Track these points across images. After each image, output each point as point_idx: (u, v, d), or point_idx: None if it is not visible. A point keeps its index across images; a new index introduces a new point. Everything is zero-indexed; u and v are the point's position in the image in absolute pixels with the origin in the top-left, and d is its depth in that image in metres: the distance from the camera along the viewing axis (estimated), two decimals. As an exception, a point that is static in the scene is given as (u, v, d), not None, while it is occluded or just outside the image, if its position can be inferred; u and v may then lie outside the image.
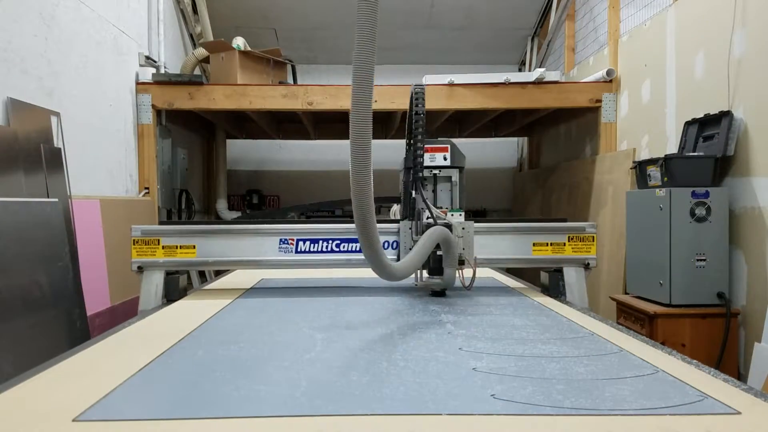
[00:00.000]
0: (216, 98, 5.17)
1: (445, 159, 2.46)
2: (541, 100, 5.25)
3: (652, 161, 3.82)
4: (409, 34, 7.17)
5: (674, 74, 4.19)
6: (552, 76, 5.24)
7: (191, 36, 6.61)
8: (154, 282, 2.42)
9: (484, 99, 5.22)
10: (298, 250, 2.49)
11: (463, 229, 2.33)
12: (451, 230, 2.23)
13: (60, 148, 3.71)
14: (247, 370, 1.39)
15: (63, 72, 3.92)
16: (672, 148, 4.14)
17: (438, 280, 2.29)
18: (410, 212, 2.37)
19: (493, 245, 2.47)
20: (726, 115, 3.51)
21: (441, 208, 2.44)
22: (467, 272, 2.32)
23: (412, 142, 2.32)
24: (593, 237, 2.50)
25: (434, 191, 2.52)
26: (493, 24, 7.20)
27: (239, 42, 5.53)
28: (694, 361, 1.47)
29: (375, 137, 8.50)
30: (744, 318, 3.44)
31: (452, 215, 2.37)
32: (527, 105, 5.35)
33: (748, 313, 3.40)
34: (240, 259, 2.50)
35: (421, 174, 2.30)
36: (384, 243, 2.45)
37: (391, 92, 5.24)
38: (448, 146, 2.50)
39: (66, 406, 1.15)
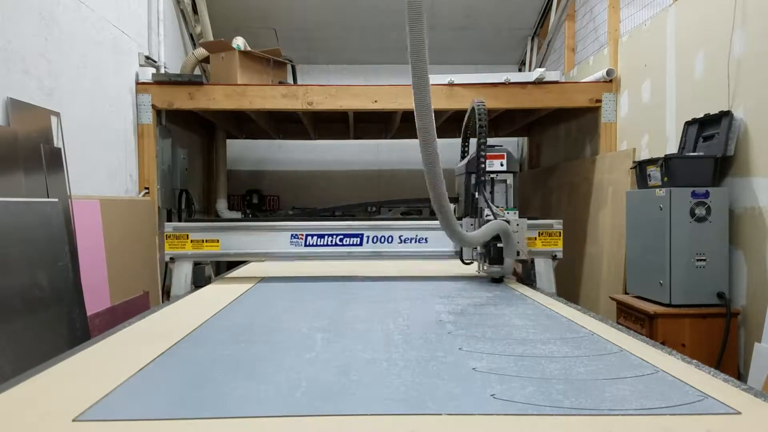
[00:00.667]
0: (216, 98, 5.17)
1: (501, 165, 2.81)
2: (541, 100, 5.25)
3: (652, 161, 3.81)
4: (409, 34, 7.15)
5: (674, 74, 4.19)
6: (552, 76, 5.23)
7: (191, 36, 6.61)
8: (184, 271, 2.81)
9: (484, 99, 5.19)
10: (307, 243, 2.87)
11: (518, 225, 2.64)
12: (508, 224, 2.55)
13: (60, 148, 3.71)
14: (247, 370, 1.39)
15: (63, 72, 3.92)
16: (672, 148, 4.14)
17: (498, 269, 2.64)
18: (473, 210, 2.76)
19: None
20: (726, 115, 3.51)
21: (498, 207, 2.77)
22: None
23: (478, 151, 2.69)
24: (560, 233, 2.85)
25: (491, 192, 2.84)
26: (493, 24, 7.20)
27: (239, 42, 5.52)
28: (694, 361, 1.47)
29: (375, 137, 8.40)
30: (744, 318, 3.44)
31: (508, 213, 2.73)
32: (527, 105, 5.35)
33: (748, 313, 3.40)
34: (256, 252, 2.89)
35: (484, 178, 2.70)
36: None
37: (391, 92, 5.24)
38: (505, 154, 2.83)
39: (66, 406, 1.15)
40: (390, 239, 2.87)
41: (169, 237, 2.82)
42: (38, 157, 3.45)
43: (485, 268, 2.72)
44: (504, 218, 2.63)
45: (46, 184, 3.48)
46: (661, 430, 1.03)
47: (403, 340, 1.67)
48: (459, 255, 2.85)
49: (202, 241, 2.83)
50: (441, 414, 1.10)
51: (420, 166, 1.89)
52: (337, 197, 8.34)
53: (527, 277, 2.84)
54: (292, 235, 2.86)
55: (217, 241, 2.84)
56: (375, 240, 2.87)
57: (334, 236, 2.87)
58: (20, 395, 1.24)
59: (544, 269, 2.82)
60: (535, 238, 2.83)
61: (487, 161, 2.75)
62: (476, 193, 2.71)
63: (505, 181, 2.87)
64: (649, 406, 1.13)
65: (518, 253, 2.63)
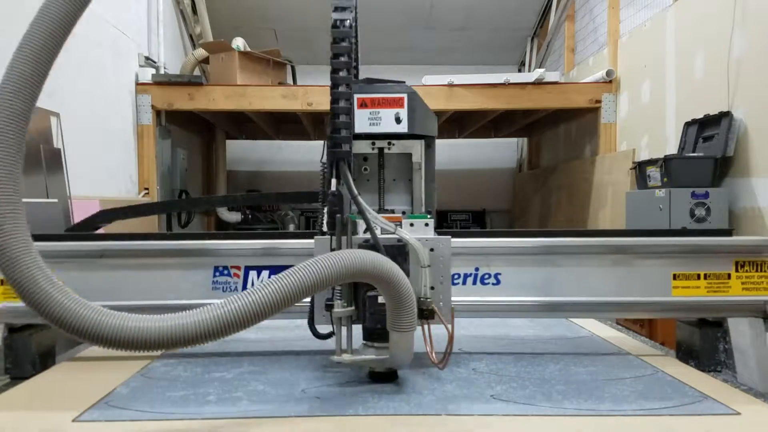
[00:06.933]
0: (216, 99, 5.17)
1: (398, 121, 1.41)
2: (541, 100, 5.25)
3: (651, 162, 3.81)
4: (409, 34, 7.16)
5: (674, 74, 4.19)
6: (551, 76, 5.24)
7: (191, 36, 6.61)
8: None
9: (484, 100, 5.22)
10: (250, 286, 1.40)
11: (432, 251, 1.31)
12: (405, 254, 1.26)
13: (60, 149, 3.71)
14: (247, 370, 1.39)
15: (63, 72, 3.91)
16: (672, 148, 4.13)
17: (377, 354, 1.27)
18: (329, 218, 1.32)
19: (588, 278, 1.49)
20: (726, 115, 3.51)
21: (391, 211, 1.46)
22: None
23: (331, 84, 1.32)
24: None
25: (380, 181, 1.49)
26: (493, 24, 7.20)
27: (239, 43, 5.52)
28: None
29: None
30: (744, 318, 3.44)
31: (411, 224, 1.34)
32: (527, 106, 5.35)
33: (748, 313, 3.40)
34: (143, 304, 1.43)
35: (345, 147, 1.31)
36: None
37: (390, 93, 5.24)
38: (405, 96, 1.47)
39: (66, 406, 1.15)
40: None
41: None
42: (38, 157, 3.45)
43: (355, 348, 1.29)
44: (393, 237, 1.28)
45: (46, 185, 3.48)
46: (661, 430, 1.03)
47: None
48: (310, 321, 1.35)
49: None
50: (441, 414, 1.10)
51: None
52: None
53: (709, 355, 1.50)
54: (216, 269, 1.46)
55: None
56: None
57: None
58: (20, 395, 1.24)
59: (750, 340, 1.44)
60: (729, 275, 1.46)
61: (367, 111, 1.48)
62: (333, 183, 1.34)
63: (408, 156, 1.48)
64: (649, 406, 1.14)
65: (429, 313, 1.25)
